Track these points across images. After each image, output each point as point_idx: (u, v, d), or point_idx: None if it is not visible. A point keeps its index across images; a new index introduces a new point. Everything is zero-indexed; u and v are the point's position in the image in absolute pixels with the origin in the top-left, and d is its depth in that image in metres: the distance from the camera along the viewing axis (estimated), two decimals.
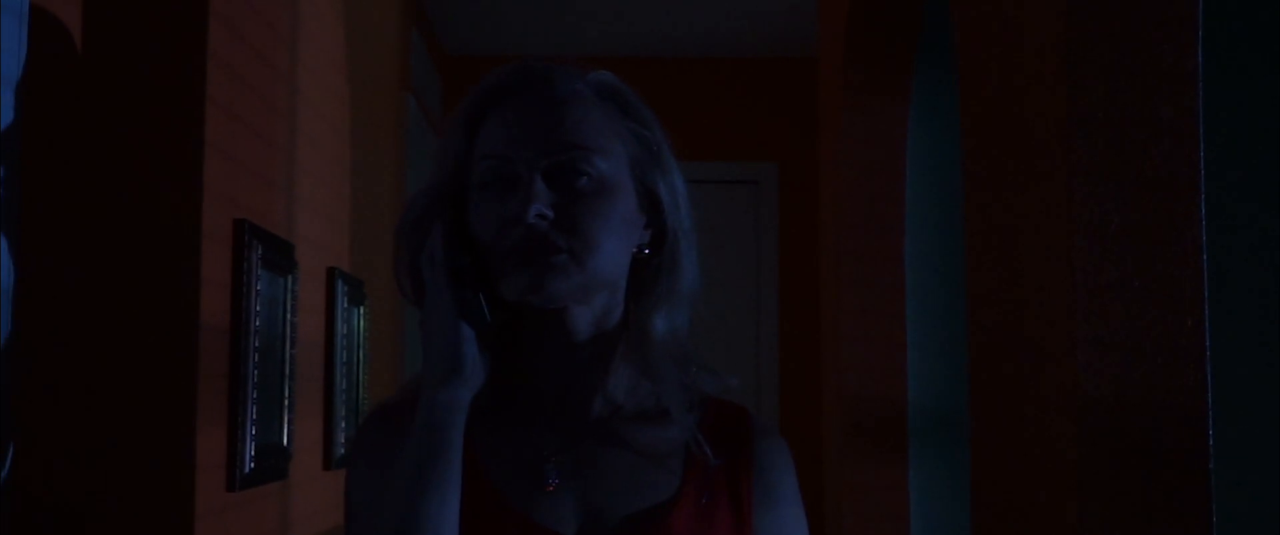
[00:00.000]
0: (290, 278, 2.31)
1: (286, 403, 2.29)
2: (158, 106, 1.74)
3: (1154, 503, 1.53)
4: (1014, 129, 1.80)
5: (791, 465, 1.23)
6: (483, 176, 1.14)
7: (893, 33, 3.37)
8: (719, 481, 1.17)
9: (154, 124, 1.73)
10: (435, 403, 1.10)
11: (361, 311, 3.06)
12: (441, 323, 1.12)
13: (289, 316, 2.30)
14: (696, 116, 5.25)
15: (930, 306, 3.50)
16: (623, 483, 1.15)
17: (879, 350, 3.45)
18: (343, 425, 2.84)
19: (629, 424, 1.18)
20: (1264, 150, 2.86)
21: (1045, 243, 1.66)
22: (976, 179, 1.99)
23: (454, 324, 1.11)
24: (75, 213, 1.46)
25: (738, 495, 1.18)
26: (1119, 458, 1.54)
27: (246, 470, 2.03)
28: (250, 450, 2.04)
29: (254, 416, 2.06)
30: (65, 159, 1.43)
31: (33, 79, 1.32)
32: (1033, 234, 1.71)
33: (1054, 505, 1.62)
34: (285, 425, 2.29)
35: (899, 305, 3.48)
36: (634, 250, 1.17)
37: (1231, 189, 2.79)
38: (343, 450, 2.81)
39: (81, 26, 1.48)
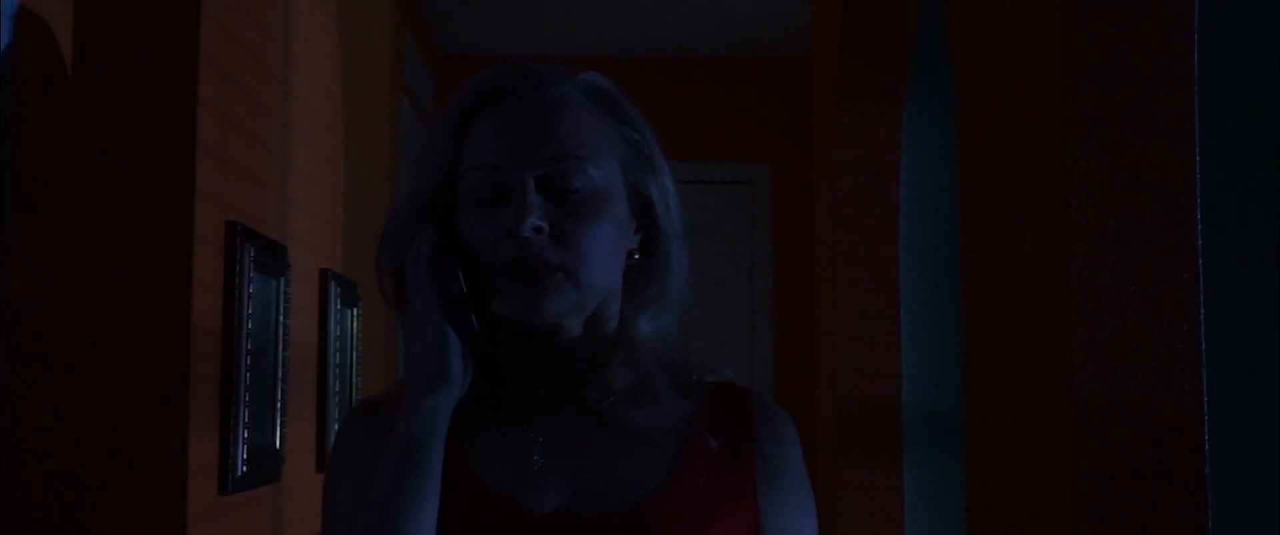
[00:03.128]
0: (283, 279, 2.30)
1: (279, 405, 2.28)
2: (149, 108, 1.73)
3: (1150, 507, 1.53)
4: (1009, 132, 1.80)
5: (795, 439, 1.20)
6: (473, 187, 1.12)
7: (887, 34, 3.36)
8: (720, 462, 1.14)
9: (145, 126, 1.72)
10: (418, 409, 1.09)
11: (355, 313, 3.05)
12: (427, 329, 1.10)
13: (281, 318, 2.29)
14: (690, 116, 5.24)
15: (925, 308, 3.50)
16: (614, 463, 1.13)
17: (873, 352, 3.45)
18: (335, 427, 2.83)
19: (623, 406, 1.16)
20: (1260, 154, 2.85)
21: (1041, 246, 1.65)
22: (971, 182, 1.99)
23: (440, 331, 1.10)
24: (66, 215, 1.45)
25: (740, 474, 1.15)
26: (1115, 462, 1.53)
27: (238, 473, 2.02)
28: (242, 453, 2.03)
29: (246, 419, 2.05)
30: (56, 161, 1.42)
31: (24, 80, 1.31)
32: (1028, 237, 1.71)
33: (1049, 510, 1.61)
34: (278, 428, 2.28)
35: (893, 307, 3.47)
36: (626, 257, 1.16)
37: (1228, 193, 2.79)
38: None
39: (72, 28, 1.47)
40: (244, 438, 2.04)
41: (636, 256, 1.17)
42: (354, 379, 3.04)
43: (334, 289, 2.81)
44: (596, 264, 1.11)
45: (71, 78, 1.47)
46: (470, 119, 1.14)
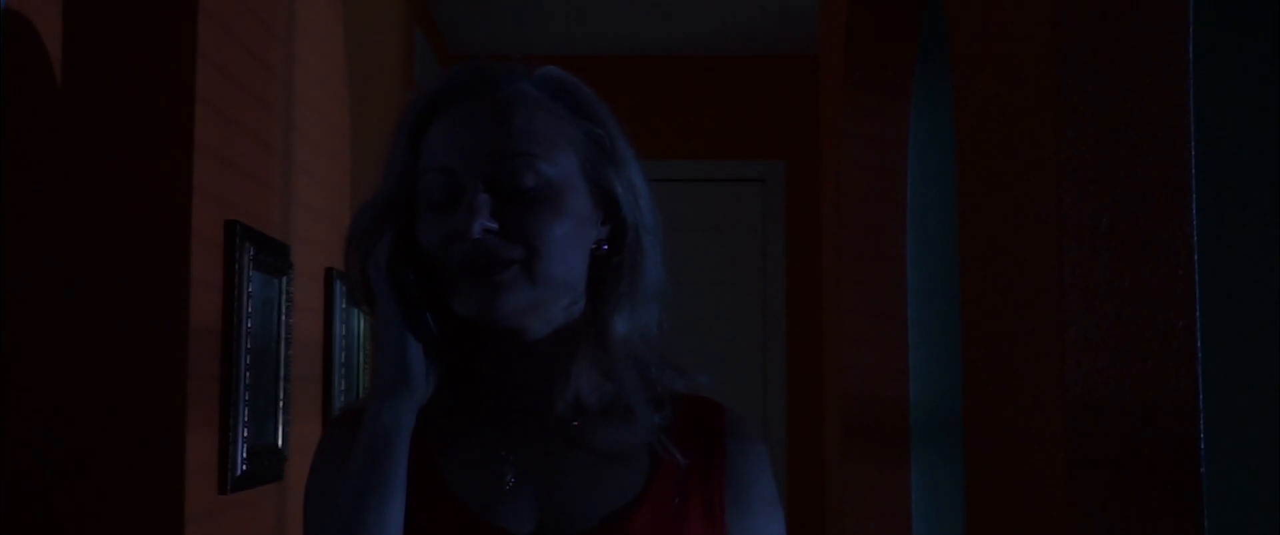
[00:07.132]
0: (285, 278, 2.31)
1: (281, 404, 2.28)
2: (145, 107, 1.74)
3: (1145, 505, 1.52)
4: (1006, 128, 1.79)
5: (766, 463, 1.20)
6: (427, 190, 1.12)
7: (893, 31, 3.35)
8: (690, 481, 1.14)
9: (142, 125, 1.72)
10: (380, 416, 1.09)
11: (361, 311, 3.06)
12: (388, 335, 1.10)
13: (284, 317, 2.30)
14: (704, 114, 5.24)
15: (932, 306, 3.49)
16: (585, 482, 1.13)
17: (881, 350, 3.44)
18: None
19: (594, 423, 1.16)
20: (1256, 149, 2.83)
21: (1036, 243, 1.64)
22: (970, 178, 1.98)
23: (400, 337, 1.09)
24: (62, 214, 1.46)
25: (709, 495, 1.15)
26: (1110, 460, 1.53)
27: (238, 472, 2.02)
28: (242, 452, 2.04)
29: (247, 418, 2.05)
30: (52, 160, 1.43)
31: (17, 78, 1.31)
32: (1024, 234, 1.70)
33: (1046, 508, 1.61)
34: (280, 427, 2.28)
35: (901, 305, 3.46)
36: (592, 248, 1.15)
37: (1223, 188, 2.77)
38: None
39: (62, 27, 1.47)
40: (244, 437, 2.05)
41: (605, 248, 1.15)
42: (360, 378, 3.05)
43: (339, 288, 2.81)
44: (553, 258, 1.09)
45: (65, 77, 1.47)
46: (427, 121, 1.14)
